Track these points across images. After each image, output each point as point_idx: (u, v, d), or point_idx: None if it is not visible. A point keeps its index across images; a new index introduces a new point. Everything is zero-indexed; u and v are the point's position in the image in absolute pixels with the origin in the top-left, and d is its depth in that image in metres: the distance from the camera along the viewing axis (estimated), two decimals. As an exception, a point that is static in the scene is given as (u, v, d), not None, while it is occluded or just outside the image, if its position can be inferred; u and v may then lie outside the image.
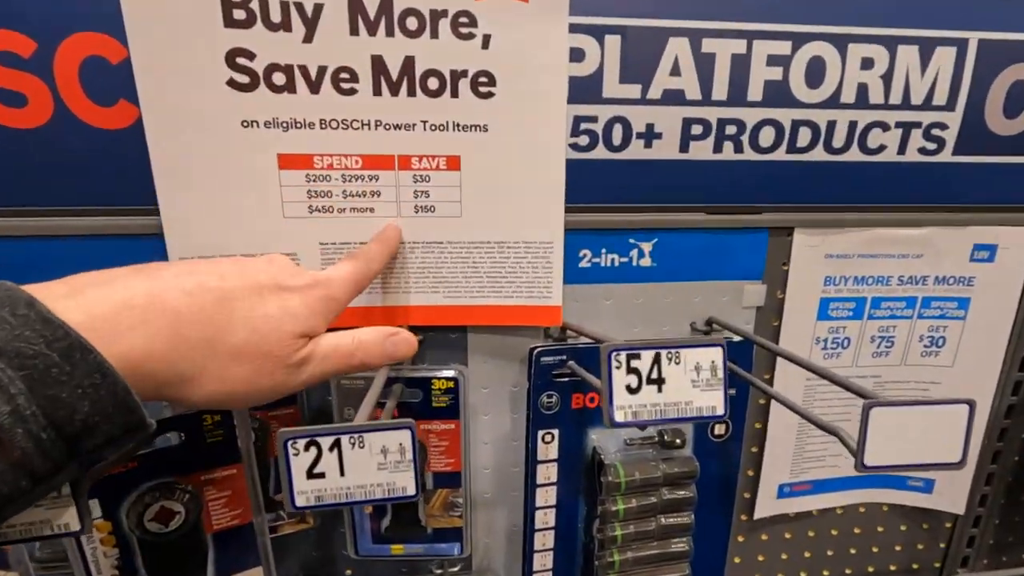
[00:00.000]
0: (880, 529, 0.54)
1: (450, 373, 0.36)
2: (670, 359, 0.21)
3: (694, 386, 0.21)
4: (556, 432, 0.41)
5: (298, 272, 0.28)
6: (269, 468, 0.40)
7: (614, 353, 0.20)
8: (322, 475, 0.19)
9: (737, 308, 0.44)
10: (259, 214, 0.36)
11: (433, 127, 0.36)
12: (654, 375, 0.21)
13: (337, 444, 0.19)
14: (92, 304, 0.21)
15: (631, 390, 0.20)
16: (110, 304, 0.21)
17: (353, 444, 0.20)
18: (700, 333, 0.44)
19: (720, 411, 0.22)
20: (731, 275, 0.43)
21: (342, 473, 0.19)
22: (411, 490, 0.20)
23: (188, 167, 0.35)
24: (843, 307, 0.45)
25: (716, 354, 0.21)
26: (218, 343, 0.23)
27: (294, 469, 0.19)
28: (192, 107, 0.34)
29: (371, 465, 0.20)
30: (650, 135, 0.39)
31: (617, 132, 0.39)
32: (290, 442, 0.19)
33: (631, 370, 0.20)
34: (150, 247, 0.36)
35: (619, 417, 0.20)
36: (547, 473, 0.41)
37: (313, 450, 0.19)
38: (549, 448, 0.41)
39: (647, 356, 0.21)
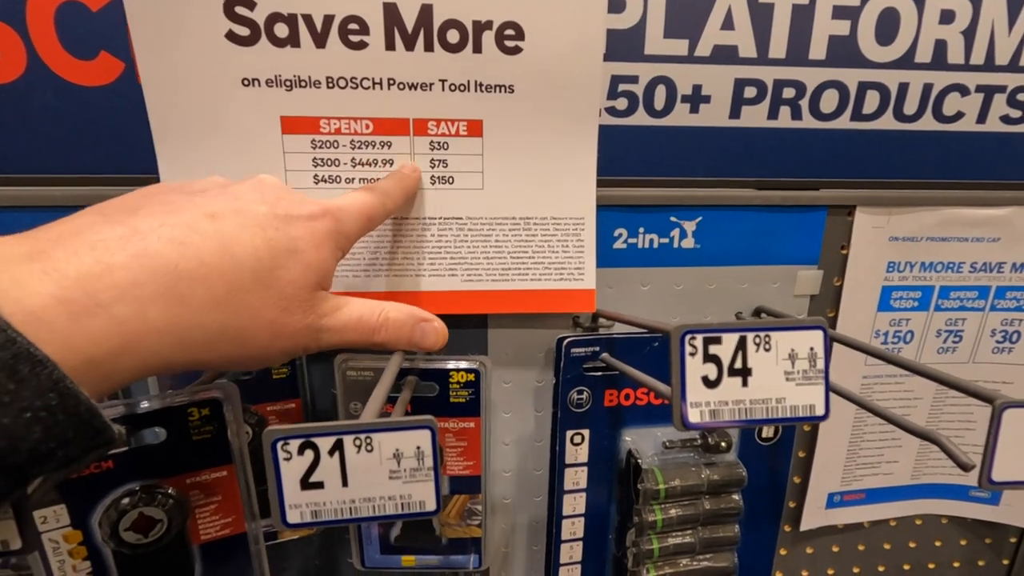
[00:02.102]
0: (938, 543, 0.49)
1: (470, 365, 0.32)
2: (758, 344, 0.16)
3: (788, 379, 0.17)
4: (586, 432, 0.36)
5: (300, 199, 0.23)
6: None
7: (688, 336, 0.16)
8: (320, 485, 0.15)
9: (788, 296, 0.39)
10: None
11: (453, 87, 0.32)
12: (738, 364, 0.16)
13: (339, 447, 0.15)
14: (62, 267, 0.16)
15: (709, 383, 0.16)
16: (84, 266, 0.17)
17: (359, 447, 0.16)
18: (747, 324, 0.39)
19: (820, 411, 0.17)
20: (783, 259, 0.39)
21: (345, 483, 0.15)
22: (431, 505, 0.16)
23: (186, 130, 0.31)
24: (907, 296, 0.40)
25: (815, 339, 0.17)
26: (227, 302, 0.19)
27: (285, 477, 0.15)
28: (190, 64, 0.30)
29: (381, 473, 0.16)
30: (697, 98, 0.34)
31: (660, 95, 0.34)
32: (280, 443, 0.15)
33: (709, 357, 0.16)
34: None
35: (694, 417, 0.16)
36: (575, 478, 0.37)
37: (309, 454, 0.15)
38: (578, 450, 0.36)
39: (730, 340, 0.16)
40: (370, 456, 0.16)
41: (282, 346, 0.21)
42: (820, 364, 0.17)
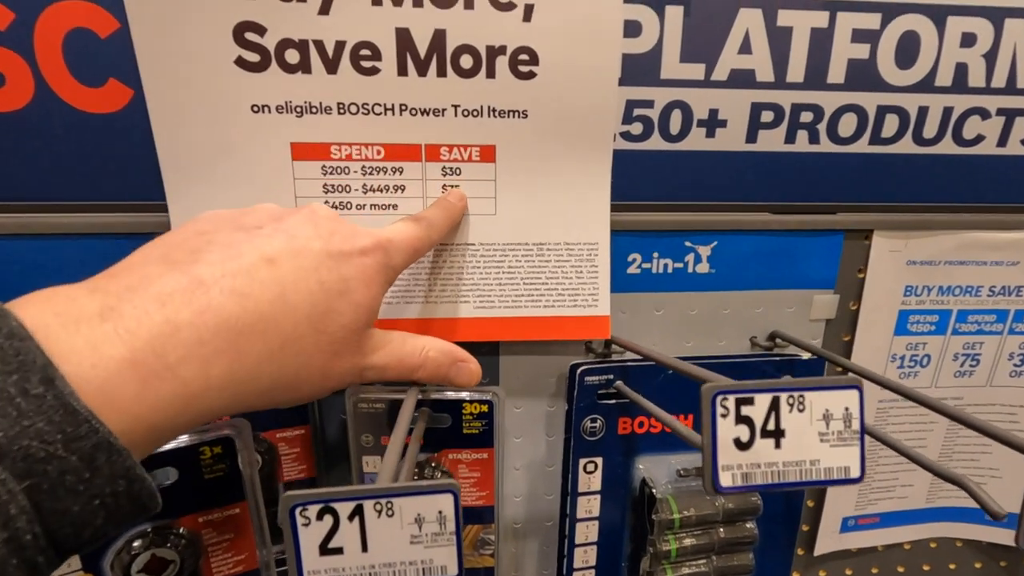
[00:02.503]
0: (952, 566, 0.48)
1: (484, 396, 0.31)
2: (792, 405, 0.16)
3: (822, 440, 0.16)
4: (600, 461, 0.36)
5: (352, 231, 0.23)
6: (278, 494, 0.36)
7: (720, 397, 0.16)
8: (339, 550, 0.15)
9: (804, 321, 0.39)
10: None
11: (466, 112, 0.32)
12: (771, 425, 0.16)
13: (359, 512, 0.15)
14: (134, 327, 0.16)
15: (741, 445, 0.16)
16: (155, 326, 0.16)
17: (380, 511, 0.15)
18: (761, 348, 0.38)
19: (855, 473, 0.17)
20: (799, 283, 0.38)
21: (364, 548, 0.15)
22: (452, 569, 0.16)
23: (194, 158, 0.31)
24: (924, 320, 0.40)
25: (851, 399, 0.16)
26: (283, 352, 0.19)
27: (304, 543, 0.15)
28: (198, 91, 0.29)
29: (402, 538, 0.15)
30: (713, 122, 0.34)
31: (676, 119, 0.34)
32: (299, 509, 0.15)
33: (741, 419, 0.16)
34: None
35: (726, 481, 0.16)
36: (588, 507, 0.36)
37: (328, 519, 0.15)
38: (592, 479, 0.36)
39: (763, 401, 0.16)
40: (391, 521, 0.15)
41: (330, 386, 0.21)
42: (855, 425, 0.16)
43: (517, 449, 0.39)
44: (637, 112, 0.33)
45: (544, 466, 0.40)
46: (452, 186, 0.33)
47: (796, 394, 0.16)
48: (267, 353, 0.18)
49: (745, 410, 0.16)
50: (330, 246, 0.21)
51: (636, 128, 0.34)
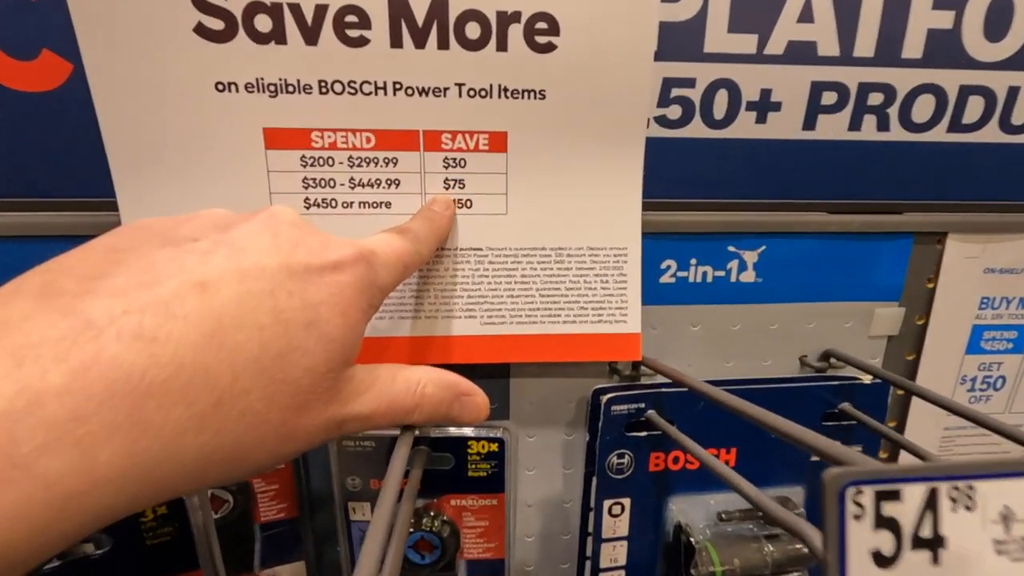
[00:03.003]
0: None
1: (492, 433, 0.26)
2: (956, 500, 0.11)
3: (999, 551, 0.11)
4: (627, 502, 0.31)
5: (322, 241, 0.17)
6: (253, 537, 0.31)
7: (851, 489, 0.10)
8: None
9: (862, 337, 0.34)
10: (240, 208, 0.27)
11: (472, 92, 0.26)
12: (926, 531, 0.11)
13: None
14: (67, 381, 0.12)
15: (883, 560, 0.11)
16: (90, 375, 0.12)
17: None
18: (813, 369, 0.33)
19: (1053, 599, 0.12)
20: (859, 294, 0.33)
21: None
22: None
23: (147, 146, 0.25)
24: (1001, 337, 0.35)
25: (1041, 490, 0.11)
26: (218, 416, 0.13)
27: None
28: (150, 64, 0.24)
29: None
30: (765, 105, 0.29)
31: (720, 101, 0.28)
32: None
33: (883, 521, 0.11)
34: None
35: (863, 614, 0.11)
36: (614, 555, 0.31)
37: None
38: (617, 522, 0.31)
39: (914, 495, 0.11)
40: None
41: (293, 449, 0.16)
42: (1052, 528, 0.11)
43: (530, 483, 0.34)
44: (676, 92, 0.28)
45: (560, 503, 0.35)
46: (455, 181, 0.28)
47: (963, 484, 0.11)
48: (192, 419, 0.13)
49: (888, 509, 0.11)
50: (292, 260, 0.15)
51: (674, 111, 0.28)
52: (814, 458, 0.32)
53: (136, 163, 0.26)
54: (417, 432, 0.24)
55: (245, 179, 0.27)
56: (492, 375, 0.32)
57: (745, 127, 0.29)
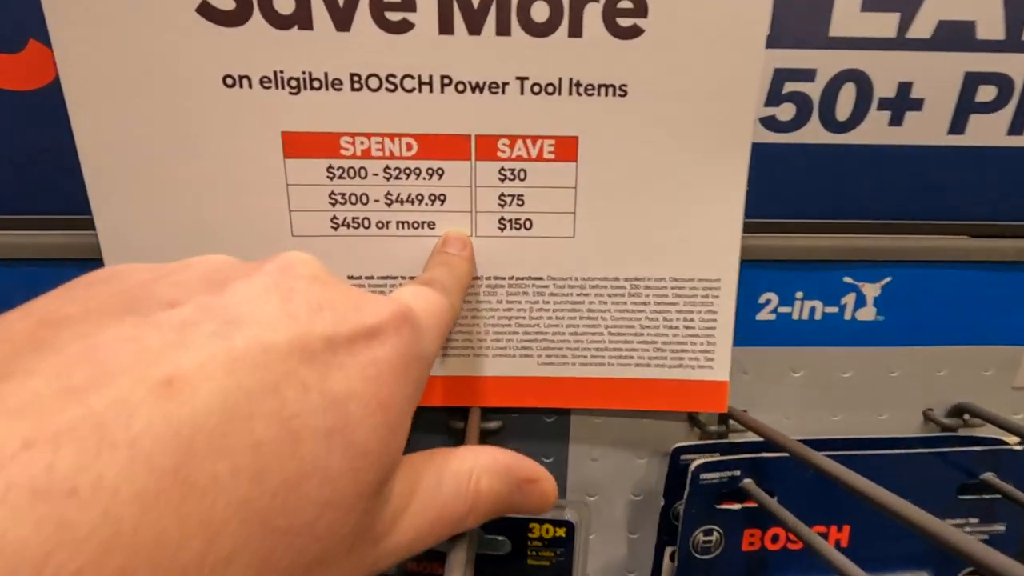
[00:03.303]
0: None
1: (560, 516, 0.21)
2: None
3: None
4: (713, 586, 0.25)
5: (358, 300, 0.12)
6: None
7: None
8: None
9: (1004, 388, 0.27)
10: (252, 231, 0.22)
11: (537, 88, 0.21)
12: None
13: None
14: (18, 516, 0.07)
15: None
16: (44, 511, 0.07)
17: None
18: (940, 427, 0.27)
19: None
20: (1003, 337, 0.27)
21: None
22: None
23: (134, 155, 0.21)
24: None
25: None
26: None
27: None
28: (141, 53, 0.20)
29: None
30: (903, 102, 0.23)
31: (846, 97, 0.23)
32: None
33: None
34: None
35: None
36: (695, 648, 0.26)
37: None
38: (701, 611, 0.25)
39: None
40: None
41: None
42: None
43: (589, 549, 0.29)
44: (789, 88, 0.23)
45: (624, 571, 0.29)
46: (513, 197, 0.23)
47: None
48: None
49: None
50: (310, 333, 0.10)
51: (786, 111, 0.23)
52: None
53: (119, 178, 0.21)
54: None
55: (258, 195, 0.22)
56: (548, 425, 0.27)
57: (875, 130, 0.23)
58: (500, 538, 0.22)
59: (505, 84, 0.21)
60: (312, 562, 0.10)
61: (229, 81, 0.21)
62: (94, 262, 0.22)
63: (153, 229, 0.22)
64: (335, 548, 0.10)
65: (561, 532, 0.21)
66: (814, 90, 0.22)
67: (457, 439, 0.26)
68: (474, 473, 0.14)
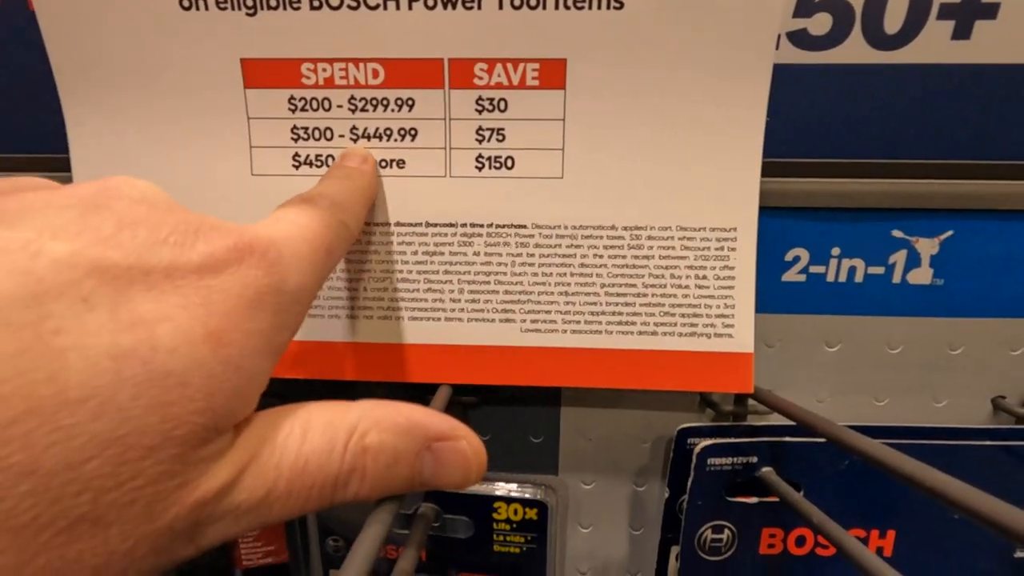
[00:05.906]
0: None
1: (530, 494, 0.18)
2: None
3: None
4: (725, 592, 0.22)
5: (199, 224, 0.10)
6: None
7: None
8: None
9: (1099, 374, 0.22)
10: (210, 167, 0.21)
11: (518, 3, 0.19)
12: None
13: None
14: None
15: None
16: None
17: None
18: (1014, 417, 0.22)
19: None
20: (1100, 309, 0.22)
21: None
22: None
23: (101, 83, 0.20)
24: None
25: None
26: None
27: None
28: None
29: None
30: (971, 8, 0.19)
31: (897, 5, 0.19)
32: None
33: None
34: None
35: None
36: (702, 664, 0.22)
37: None
38: (709, 621, 0.22)
39: None
40: None
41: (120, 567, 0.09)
42: None
43: (585, 544, 0.25)
44: (823, -5, 0.19)
45: (625, 572, 0.26)
46: (492, 131, 0.20)
47: None
48: None
49: None
50: (108, 254, 0.08)
51: (820, 23, 0.19)
52: (1020, 553, 0.21)
53: (88, 103, 0.20)
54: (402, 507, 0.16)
55: (217, 127, 0.20)
56: (534, 401, 0.24)
57: (933, 46, 0.19)
58: (462, 518, 0.19)
59: (480, -2, 0.19)
60: (78, 519, 0.08)
61: (186, 3, 0.19)
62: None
63: (118, 150, 0.21)
64: (119, 502, 0.08)
65: (532, 514, 0.18)
66: (854, -3, 0.19)
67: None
68: (360, 427, 0.11)
